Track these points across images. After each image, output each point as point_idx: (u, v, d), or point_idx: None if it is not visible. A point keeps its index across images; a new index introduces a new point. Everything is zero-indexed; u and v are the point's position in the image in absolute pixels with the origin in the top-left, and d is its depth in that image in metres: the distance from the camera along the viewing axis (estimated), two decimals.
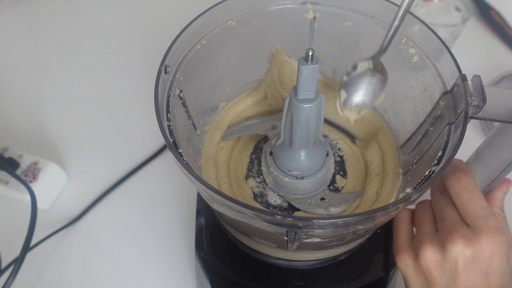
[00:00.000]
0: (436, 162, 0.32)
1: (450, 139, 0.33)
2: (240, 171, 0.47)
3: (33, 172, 0.58)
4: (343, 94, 0.38)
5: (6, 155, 0.59)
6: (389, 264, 0.45)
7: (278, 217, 0.28)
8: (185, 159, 0.33)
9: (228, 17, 0.41)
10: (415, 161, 0.39)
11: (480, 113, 0.33)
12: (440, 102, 0.37)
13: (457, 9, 0.71)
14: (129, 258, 0.55)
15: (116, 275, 0.53)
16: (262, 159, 0.46)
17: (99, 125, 0.68)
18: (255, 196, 0.44)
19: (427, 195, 0.40)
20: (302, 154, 0.41)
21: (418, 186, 0.35)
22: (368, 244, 0.45)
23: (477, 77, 0.33)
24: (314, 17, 0.43)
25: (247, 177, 0.46)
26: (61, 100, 0.71)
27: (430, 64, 0.38)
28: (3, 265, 0.52)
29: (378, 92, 0.38)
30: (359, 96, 0.38)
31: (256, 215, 0.28)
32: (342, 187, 0.45)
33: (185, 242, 0.56)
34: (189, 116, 0.41)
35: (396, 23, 0.35)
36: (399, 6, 0.35)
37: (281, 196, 0.44)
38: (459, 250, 0.33)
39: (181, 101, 0.39)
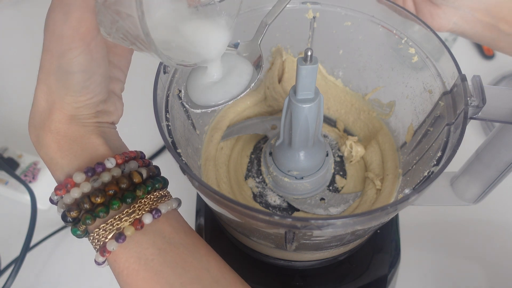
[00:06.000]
0: (435, 162, 0.32)
1: (450, 140, 0.33)
2: (240, 171, 0.46)
3: (33, 172, 0.58)
4: None
5: (6, 155, 0.59)
6: (389, 264, 0.45)
7: (276, 217, 0.28)
8: (184, 159, 0.33)
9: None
10: (414, 161, 0.39)
11: (480, 113, 0.33)
12: (440, 102, 0.36)
13: None
14: None
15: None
16: (262, 159, 0.46)
17: None
18: (255, 196, 0.44)
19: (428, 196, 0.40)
20: (302, 154, 0.41)
21: (417, 186, 0.34)
22: (367, 244, 0.45)
23: (476, 77, 0.33)
24: (314, 17, 0.43)
25: (246, 177, 0.46)
26: None
27: (430, 64, 0.38)
28: (3, 265, 0.52)
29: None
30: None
31: (254, 215, 0.28)
32: (342, 187, 0.45)
33: None
34: (188, 116, 0.41)
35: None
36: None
37: (281, 196, 0.44)
38: None
39: (180, 101, 0.39)
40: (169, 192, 0.33)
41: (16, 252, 0.50)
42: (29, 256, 0.52)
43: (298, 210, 0.43)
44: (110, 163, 0.30)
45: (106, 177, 0.29)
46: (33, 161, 0.59)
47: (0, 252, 0.52)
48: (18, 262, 0.48)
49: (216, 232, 0.47)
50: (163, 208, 0.30)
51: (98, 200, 0.28)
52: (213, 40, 0.30)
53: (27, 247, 0.49)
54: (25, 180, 0.56)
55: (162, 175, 0.34)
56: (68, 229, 0.57)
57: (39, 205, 0.54)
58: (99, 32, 0.27)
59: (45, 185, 0.58)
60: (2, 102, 0.71)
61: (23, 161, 0.59)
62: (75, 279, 0.54)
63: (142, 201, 0.30)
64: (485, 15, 0.42)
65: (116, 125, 0.35)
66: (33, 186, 0.55)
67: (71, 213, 0.29)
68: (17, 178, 0.55)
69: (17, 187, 0.57)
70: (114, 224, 0.29)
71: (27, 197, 0.53)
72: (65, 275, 0.54)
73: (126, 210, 0.29)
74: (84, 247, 0.56)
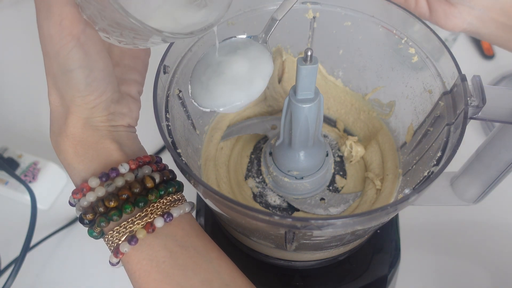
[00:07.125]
0: (435, 162, 0.32)
1: (450, 140, 0.33)
2: (240, 171, 0.46)
3: (33, 172, 0.58)
4: None
5: (6, 155, 0.59)
6: (389, 264, 0.45)
7: (276, 217, 0.28)
8: (183, 159, 0.33)
9: (227, 17, 0.41)
10: (414, 161, 0.39)
11: (480, 113, 0.33)
12: (440, 102, 0.36)
13: None
14: None
15: (116, 276, 0.53)
16: (262, 159, 0.46)
17: None
18: (255, 196, 0.44)
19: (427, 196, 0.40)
20: (302, 154, 0.41)
21: (417, 186, 0.34)
22: (367, 244, 0.45)
23: (476, 77, 0.33)
24: (314, 17, 0.43)
25: (246, 177, 0.46)
26: None
27: (430, 64, 0.38)
28: (3, 265, 0.52)
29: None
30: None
31: (254, 215, 0.28)
32: (342, 187, 0.45)
33: None
34: (188, 116, 0.41)
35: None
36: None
37: (281, 196, 0.44)
38: None
39: (180, 101, 0.39)
40: (183, 196, 0.34)
41: (16, 252, 0.50)
42: (29, 256, 0.52)
43: (298, 210, 0.43)
44: (123, 169, 0.31)
45: (119, 182, 0.30)
46: (33, 161, 0.59)
47: (0, 252, 0.52)
48: (18, 262, 0.48)
49: (216, 232, 0.47)
50: (175, 212, 0.31)
51: (112, 204, 0.30)
52: (211, 16, 0.30)
53: (27, 247, 0.49)
54: (25, 180, 0.56)
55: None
56: (68, 229, 0.57)
57: (39, 205, 0.54)
58: (88, 26, 0.28)
59: (45, 185, 0.58)
60: (2, 102, 0.71)
61: (23, 161, 0.59)
62: (75, 279, 0.54)
63: (155, 205, 0.31)
64: (500, 15, 0.41)
65: (135, 127, 0.36)
66: (33, 186, 0.55)
67: (87, 215, 0.30)
68: (17, 178, 0.55)
69: (17, 187, 0.57)
70: (127, 227, 0.30)
71: (27, 197, 0.53)
72: (65, 275, 0.54)
73: (138, 214, 0.30)
74: (83, 248, 0.56)
